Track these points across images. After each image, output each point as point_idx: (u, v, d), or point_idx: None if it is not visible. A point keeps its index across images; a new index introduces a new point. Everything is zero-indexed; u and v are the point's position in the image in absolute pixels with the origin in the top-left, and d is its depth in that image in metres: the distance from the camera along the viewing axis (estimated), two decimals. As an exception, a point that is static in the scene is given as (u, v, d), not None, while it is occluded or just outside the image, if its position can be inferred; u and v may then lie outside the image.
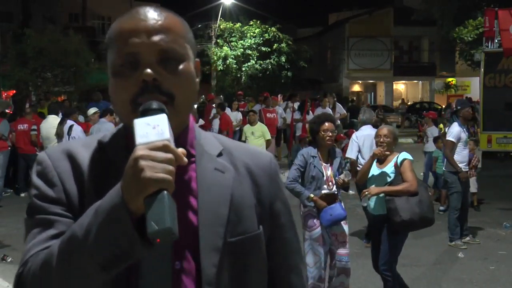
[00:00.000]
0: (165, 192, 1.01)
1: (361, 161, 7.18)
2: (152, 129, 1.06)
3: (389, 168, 5.10)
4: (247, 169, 1.30)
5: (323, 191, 5.13)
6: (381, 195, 5.04)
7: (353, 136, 7.59)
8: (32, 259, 1.11)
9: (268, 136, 11.17)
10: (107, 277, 1.05)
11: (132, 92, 1.15)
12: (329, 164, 5.23)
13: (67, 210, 1.17)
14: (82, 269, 1.04)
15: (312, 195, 5.02)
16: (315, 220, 5.08)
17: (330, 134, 5.16)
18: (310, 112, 14.53)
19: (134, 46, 1.16)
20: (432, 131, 11.29)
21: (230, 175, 1.26)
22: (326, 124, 5.19)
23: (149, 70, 1.14)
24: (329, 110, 14.38)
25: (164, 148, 1.03)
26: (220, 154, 1.29)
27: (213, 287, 1.17)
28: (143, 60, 1.16)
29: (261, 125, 11.35)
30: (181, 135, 1.21)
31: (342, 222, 5.18)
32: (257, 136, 10.89)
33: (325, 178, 5.15)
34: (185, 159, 1.06)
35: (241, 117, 14.32)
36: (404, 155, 5.11)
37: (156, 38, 1.17)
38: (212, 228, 1.19)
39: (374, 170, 5.22)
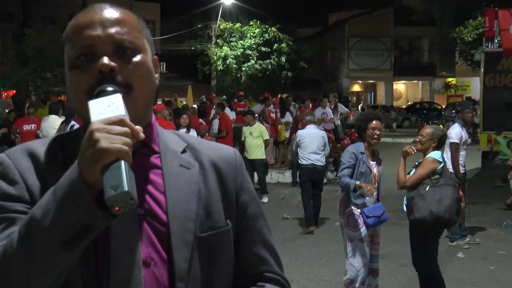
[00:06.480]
0: (122, 160, 1.00)
1: (302, 153, 8.72)
2: (107, 107, 1.06)
3: None
4: (211, 163, 1.30)
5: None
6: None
7: (298, 131, 9.48)
8: None
9: (266, 136, 11.16)
10: (68, 258, 1.04)
11: (89, 84, 1.15)
12: (374, 163, 5.18)
13: (31, 208, 1.13)
14: (43, 251, 1.03)
15: (358, 182, 4.93)
16: (360, 220, 4.99)
17: (378, 132, 5.11)
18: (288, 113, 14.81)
19: (90, 39, 1.17)
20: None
21: (196, 171, 1.27)
22: (374, 122, 5.10)
23: (105, 60, 1.15)
24: (329, 110, 14.39)
25: (120, 122, 1.03)
26: (184, 151, 1.29)
27: (185, 282, 1.18)
28: (99, 52, 1.16)
29: (259, 125, 11.34)
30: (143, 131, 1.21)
31: None
32: (255, 136, 10.91)
33: (372, 174, 5.09)
34: (142, 134, 1.06)
35: (234, 116, 14.39)
36: (432, 154, 5.03)
37: (111, 30, 1.18)
38: (182, 223, 1.20)
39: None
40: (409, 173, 5.15)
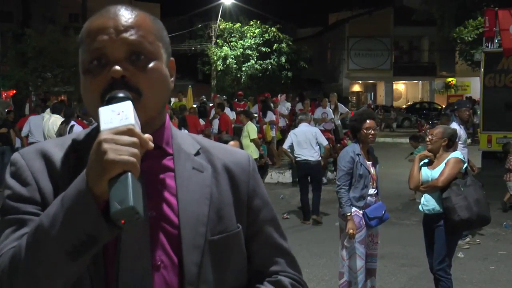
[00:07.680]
0: (129, 173, 1.00)
1: (297, 150, 8.93)
2: (116, 115, 1.05)
3: (439, 169, 5.01)
4: (224, 167, 1.29)
5: (370, 191, 5.05)
6: (436, 193, 5.00)
7: (291, 131, 9.66)
8: (3, 258, 1.10)
9: (253, 135, 11.16)
10: (74, 267, 1.04)
11: (101, 88, 1.15)
12: (370, 163, 5.13)
13: (42, 210, 1.14)
14: (49, 259, 1.03)
15: (349, 214, 4.92)
16: (361, 222, 4.96)
17: (373, 131, 5.06)
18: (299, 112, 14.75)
19: (102, 43, 1.16)
20: None
21: (209, 174, 1.26)
22: (368, 121, 5.05)
23: (117, 67, 1.14)
24: (329, 110, 14.38)
25: (129, 132, 1.03)
26: (197, 153, 1.28)
27: (195, 286, 1.18)
28: (112, 57, 1.15)
29: (248, 125, 11.36)
30: (156, 133, 1.19)
31: None
32: (244, 136, 10.97)
33: (370, 175, 5.04)
34: (151, 144, 1.05)
35: (234, 116, 14.36)
36: (454, 154, 5.04)
37: (124, 34, 1.16)
38: (193, 227, 1.19)
39: (427, 172, 5.11)
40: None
